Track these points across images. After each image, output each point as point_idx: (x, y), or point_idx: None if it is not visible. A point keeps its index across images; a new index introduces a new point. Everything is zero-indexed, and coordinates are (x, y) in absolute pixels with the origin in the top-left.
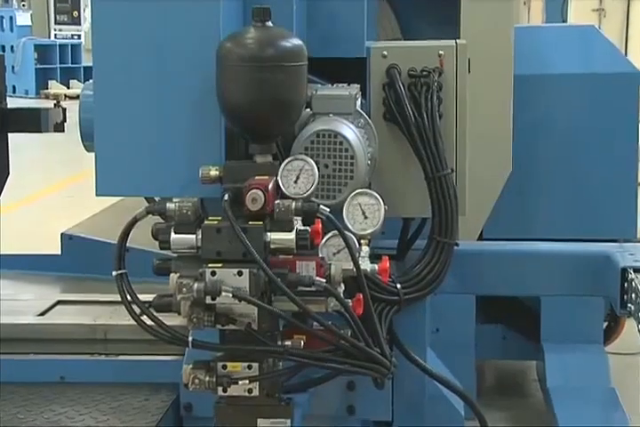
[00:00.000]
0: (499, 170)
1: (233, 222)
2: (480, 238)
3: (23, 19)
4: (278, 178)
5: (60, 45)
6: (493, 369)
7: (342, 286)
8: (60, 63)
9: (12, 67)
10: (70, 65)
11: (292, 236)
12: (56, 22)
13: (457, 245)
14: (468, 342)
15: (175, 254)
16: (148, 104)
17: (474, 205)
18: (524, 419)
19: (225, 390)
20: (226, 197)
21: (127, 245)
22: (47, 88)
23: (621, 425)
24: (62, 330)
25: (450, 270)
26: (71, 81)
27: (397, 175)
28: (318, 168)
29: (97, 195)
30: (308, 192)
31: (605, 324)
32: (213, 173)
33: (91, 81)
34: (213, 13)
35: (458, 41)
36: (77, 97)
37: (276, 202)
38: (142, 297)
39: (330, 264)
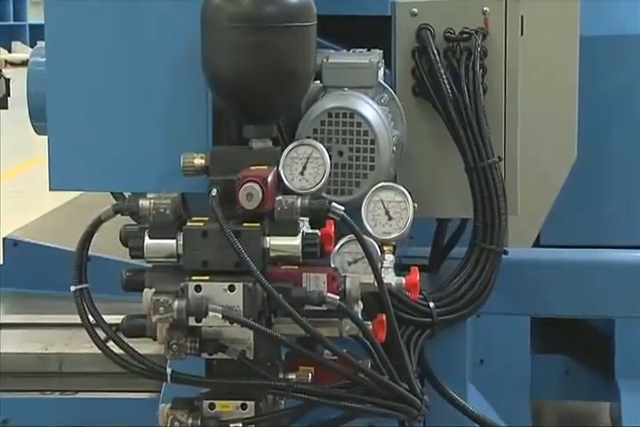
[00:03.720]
0: (560, 159)
1: (223, 224)
2: (536, 245)
3: None
4: (280, 168)
5: None
6: (554, 411)
7: (360, 304)
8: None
9: None
10: (12, 22)
11: (296, 241)
12: None
13: (506, 253)
14: (521, 376)
15: (150, 264)
16: (115, 74)
17: (528, 202)
18: None
19: None
20: (214, 192)
21: (89, 253)
22: None
23: None
24: (5, 361)
25: (497, 285)
26: (13, 43)
27: (430, 165)
28: (330, 156)
29: (50, 189)
30: (318, 186)
31: None
32: (198, 161)
33: (41, 44)
34: None
35: None
36: (23, 64)
37: (277, 198)
38: (108, 318)
39: (345, 277)
